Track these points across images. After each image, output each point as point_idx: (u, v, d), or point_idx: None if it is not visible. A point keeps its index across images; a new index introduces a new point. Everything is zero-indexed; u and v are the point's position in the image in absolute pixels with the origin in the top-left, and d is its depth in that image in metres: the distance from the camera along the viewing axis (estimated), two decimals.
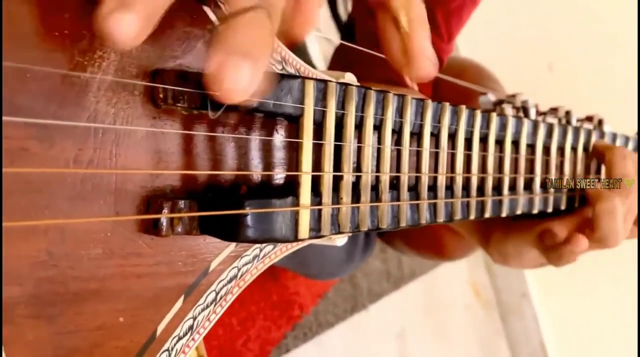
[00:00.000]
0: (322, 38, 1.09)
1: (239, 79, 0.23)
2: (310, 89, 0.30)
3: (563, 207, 0.56)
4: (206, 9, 0.30)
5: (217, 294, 0.32)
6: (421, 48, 0.30)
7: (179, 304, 0.30)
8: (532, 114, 0.62)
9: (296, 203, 0.30)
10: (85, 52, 0.26)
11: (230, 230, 0.28)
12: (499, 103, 0.61)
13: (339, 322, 1.27)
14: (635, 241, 0.65)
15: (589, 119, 0.70)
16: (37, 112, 0.24)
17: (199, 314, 0.31)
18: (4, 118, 0.23)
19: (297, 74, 0.31)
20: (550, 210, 0.54)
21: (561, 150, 0.57)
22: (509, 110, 0.60)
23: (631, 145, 0.73)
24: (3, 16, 0.23)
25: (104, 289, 0.27)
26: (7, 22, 0.23)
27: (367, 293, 1.41)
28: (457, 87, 0.74)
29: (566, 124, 0.63)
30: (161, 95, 0.28)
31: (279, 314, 1.06)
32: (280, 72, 0.31)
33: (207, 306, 0.32)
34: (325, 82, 0.31)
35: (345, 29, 0.75)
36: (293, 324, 1.10)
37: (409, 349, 1.55)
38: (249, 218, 0.28)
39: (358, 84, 0.38)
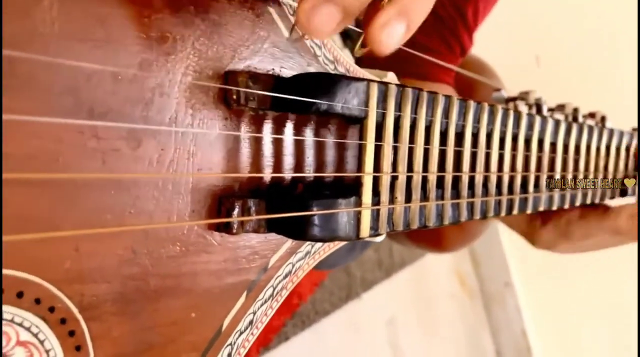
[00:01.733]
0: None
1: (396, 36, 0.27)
2: (375, 91, 0.30)
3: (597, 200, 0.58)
4: (271, 9, 0.31)
5: (274, 289, 0.33)
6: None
7: (242, 299, 0.31)
8: (545, 111, 0.63)
9: (359, 203, 0.31)
10: (169, 54, 0.26)
11: (298, 229, 0.29)
12: (511, 99, 0.62)
13: (335, 310, 1.29)
14: None
15: (592, 115, 0.71)
16: (127, 114, 0.25)
17: (258, 309, 0.32)
18: (100, 123, 0.23)
19: (348, 74, 0.32)
20: (588, 201, 0.55)
21: (577, 148, 0.58)
22: (522, 107, 0.62)
23: (625, 139, 0.75)
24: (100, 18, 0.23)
25: (178, 286, 0.28)
26: (100, 26, 0.23)
27: (361, 281, 1.43)
28: (461, 78, 0.75)
29: (573, 121, 0.65)
30: (234, 97, 0.28)
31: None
32: (343, 73, 0.32)
33: (265, 301, 0.33)
34: (385, 84, 0.32)
35: None
36: (292, 312, 1.11)
37: (398, 336, 1.57)
38: (316, 218, 0.29)
39: (399, 83, 0.39)
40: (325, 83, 0.29)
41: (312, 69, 0.33)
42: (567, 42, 1.77)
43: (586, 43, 1.74)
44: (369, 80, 0.30)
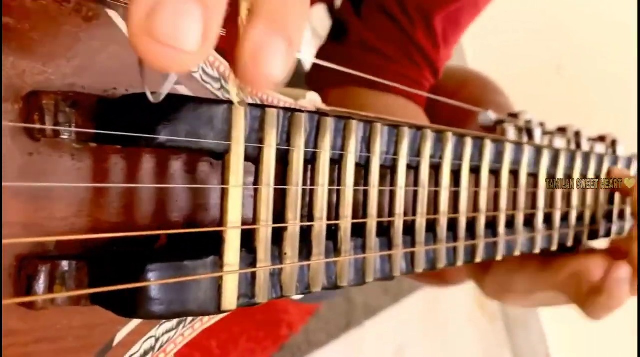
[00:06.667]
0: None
1: (278, 63, 0.19)
2: (240, 118, 0.23)
3: (570, 243, 0.49)
4: (111, 12, 0.24)
5: None
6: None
7: None
8: (538, 134, 0.55)
9: (219, 264, 0.23)
10: None
11: (126, 305, 0.22)
12: (500, 122, 0.54)
13: (332, 340, 1.21)
14: None
15: (602, 138, 0.63)
16: None
17: None
18: None
19: (229, 100, 0.24)
20: (554, 248, 0.47)
21: (569, 178, 0.50)
22: (510, 130, 0.54)
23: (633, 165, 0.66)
24: None
25: None
26: None
27: (364, 308, 1.35)
28: (467, 97, 0.67)
29: (576, 147, 0.56)
30: (37, 125, 0.21)
31: (265, 335, 0.99)
32: (208, 96, 0.25)
33: None
34: (262, 108, 0.24)
35: (334, 28, 0.68)
36: (281, 345, 1.04)
37: None
38: (152, 290, 0.22)
39: (317, 108, 0.32)
40: (161, 108, 0.21)
41: (184, 90, 0.26)
42: (589, 51, 1.68)
43: (609, 52, 1.66)
44: (232, 103, 0.23)
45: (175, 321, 0.27)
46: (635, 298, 0.55)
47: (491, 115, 0.54)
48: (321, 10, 0.84)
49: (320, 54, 0.67)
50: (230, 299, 0.24)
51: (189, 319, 0.27)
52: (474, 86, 0.82)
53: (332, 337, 1.20)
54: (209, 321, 0.29)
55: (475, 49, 1.67)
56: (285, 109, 0.25)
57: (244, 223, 0.25)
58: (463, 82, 0.82)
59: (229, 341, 0.91)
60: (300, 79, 0.70)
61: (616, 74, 1.63)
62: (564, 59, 1.75)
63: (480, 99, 0.73)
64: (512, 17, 1.63)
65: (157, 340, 0.27)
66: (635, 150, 0.67)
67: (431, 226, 0.35)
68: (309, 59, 0.81)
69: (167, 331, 0.27)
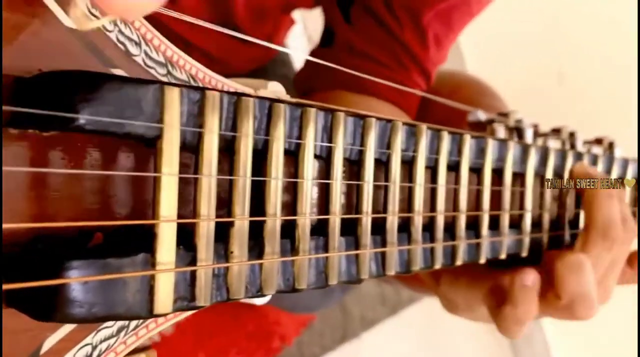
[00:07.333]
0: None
1: None
2: (174, 100, 0.21)
3: (524, 253, 0.43)
4: None
5: None
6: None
7: None
8: (529, 135, 0.53)
9: (150, 262, 0.21)
10: None
11: (41, 306, 0.19)
12: (489, 122, 0.52)
13: (326, 353, 1.18)
14: None
15: (598, 141, 0.60)
16: None
17: None
18: None
19: (160, 80, 0.22)
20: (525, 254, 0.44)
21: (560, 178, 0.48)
22: (500, 130, 0.51)
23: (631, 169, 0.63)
24: None
25: None
26: None
27: (360, 320, 1.32)
28: (461, 98, 0.65)
29: (570, 147, 0.54)
30: None
31: (256, 346, 0.96)
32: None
33: None
34: (202, 91, 0.22)
35: (324, 34, 0.66)
36: None
37: None
38: (72, 288, 0.19)
39: (279, 97, 0.29)
40: (80, 86, 0.19)
41: (121, 73, 0.24)
42: (591, 57, 1.66)
43: (612, 58, 1.63)
44: (163, 84, 0.21)
45: (115, 327, 0.25)
46: (635, 304, 0.52)
47: (480, 115, 0.52)
48: (318, 17, 0.82)
49: (308, 60, 0.65)
50: (164, 301, 0.21)
51: (132, 325, 0.25)
52: (469, 90, 0.79)
53: (326, 350, 1.17)
54: (156, 327, 0.26)
55: (472, 57, 1.65)
56: (230, 93, 0.23)
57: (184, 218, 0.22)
58: (457, 86, 0.80)
59: (219, 351, 0.89)
60: (288, 83, 0.68)
61: (621, 82, 1.61)
62: (565, 64, 1.73)
63: (476, 103, 0.71)
64: (510, 24, 1.61)
65: (94, 348, 0.24)
66: (635, 155, 0.64)
67: (405, 225, 0.32)
68: (298, 63, 0.80)
69: (106, 338, 0.25)
